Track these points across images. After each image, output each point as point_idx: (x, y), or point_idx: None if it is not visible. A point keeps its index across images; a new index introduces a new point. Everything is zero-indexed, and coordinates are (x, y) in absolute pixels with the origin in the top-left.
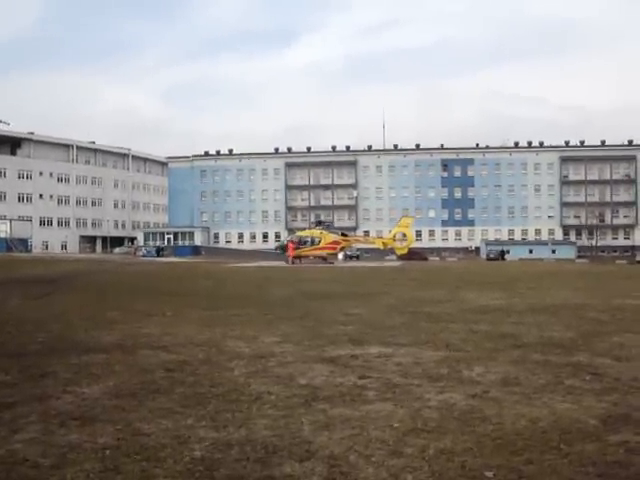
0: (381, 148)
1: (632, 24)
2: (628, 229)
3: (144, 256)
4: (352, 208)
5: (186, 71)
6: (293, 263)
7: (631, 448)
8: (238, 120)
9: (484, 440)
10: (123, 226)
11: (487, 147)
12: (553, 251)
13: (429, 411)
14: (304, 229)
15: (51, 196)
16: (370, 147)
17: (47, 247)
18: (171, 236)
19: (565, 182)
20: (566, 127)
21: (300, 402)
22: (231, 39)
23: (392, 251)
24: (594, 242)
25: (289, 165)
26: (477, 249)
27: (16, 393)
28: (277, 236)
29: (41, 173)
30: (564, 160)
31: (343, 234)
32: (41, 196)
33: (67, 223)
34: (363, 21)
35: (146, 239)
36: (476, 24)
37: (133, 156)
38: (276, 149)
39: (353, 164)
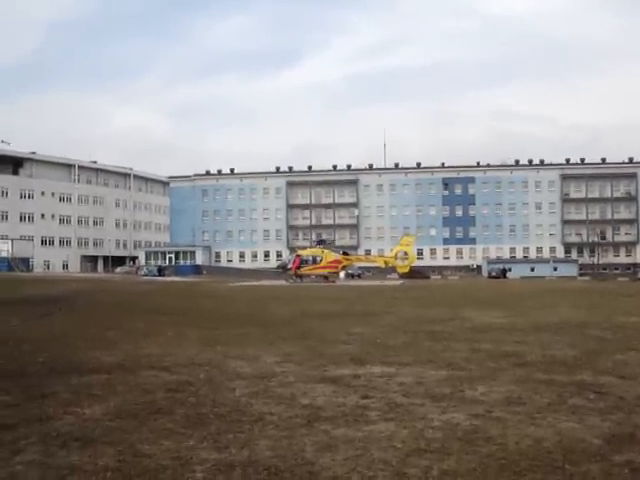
0: (382, 167)
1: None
2: (630, 246)
3: (145, 275)
4: (353, 227)
5: (190, 91)
6: (295, 281)
7: (636, 468)
8: (241, 139)
9: (488, 461)
10: (125, 245)
11: (488, 165)
12: (555, 269)
13: (432, 431)
14: (305, 248)
15: (53, 216)
16: (371, 166)
17: (48, 267)
18: (172, 255)
19: (566, 200)
20: (573, 145)
21: (302, 422)
22: (234, 59)
23: (394, 270)
24: (596, 260)
25: (290, 184)
26: (479, 267)
27: (17, 414)
28: (278, 255)
29: (43, 193)
30: (565, 178)
31: (345, 253)
32: (43, 216)
33: (69, 243)
34: (366, 41)
35: (147, 258)
36: (480, 43)
37: (135, 175)
38: (277, 168)
39: (354, 183)
